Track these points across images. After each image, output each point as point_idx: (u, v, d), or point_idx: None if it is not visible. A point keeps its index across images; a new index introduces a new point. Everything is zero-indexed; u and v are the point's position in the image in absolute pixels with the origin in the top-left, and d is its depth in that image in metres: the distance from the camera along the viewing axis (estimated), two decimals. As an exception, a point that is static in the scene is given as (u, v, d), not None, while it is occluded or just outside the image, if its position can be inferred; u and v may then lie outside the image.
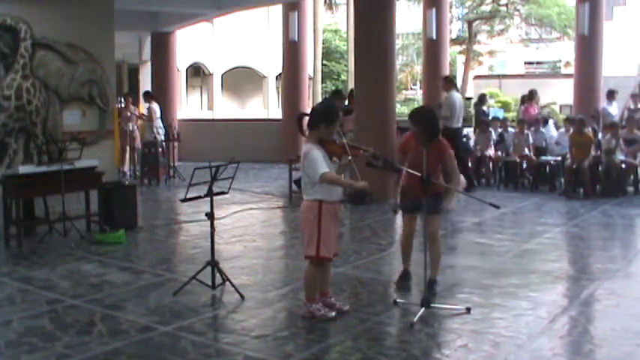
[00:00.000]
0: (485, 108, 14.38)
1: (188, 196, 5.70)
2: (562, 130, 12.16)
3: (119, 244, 7.52)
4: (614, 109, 13.41)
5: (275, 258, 7.15)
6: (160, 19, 16.71)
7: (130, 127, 13.65)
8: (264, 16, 26.33)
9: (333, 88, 30.68)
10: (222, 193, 5.94)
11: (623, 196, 10.74)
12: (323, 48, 28.28)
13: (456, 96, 11.62)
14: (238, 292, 5.54)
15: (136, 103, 15.15)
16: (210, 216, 5.70)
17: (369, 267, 6.54)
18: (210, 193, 5.71)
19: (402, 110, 26.17)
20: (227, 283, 5.71)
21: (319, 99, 24.72)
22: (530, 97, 13.43)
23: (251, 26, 25.53)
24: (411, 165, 5.27)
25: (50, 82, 9.58)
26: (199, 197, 5.83)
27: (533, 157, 11.80)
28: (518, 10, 30.18)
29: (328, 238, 4.87)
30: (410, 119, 5.47)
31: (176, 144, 14.54)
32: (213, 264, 5.75)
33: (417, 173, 4.99)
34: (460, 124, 11.58)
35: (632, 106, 13.60)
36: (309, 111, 5.23)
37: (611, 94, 13.62)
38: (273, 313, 5.23)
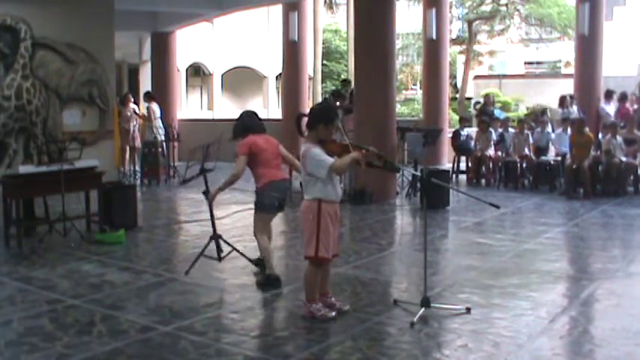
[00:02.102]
0: (491, 108, 14.39)
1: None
2: (559, 130, 12.16)
3: (119, 244, 7.52)
4: (612, 109, 13.40)
5: (275, 258, 7.13)
6: (160, 19, 16.71)
7: (131, 127, 13.65)
8: (264, 16, 26.34)
9: (333, 87, 30.71)
10: (210, 170, 6.50)
11: (623, 196, 10.74)
12: (323, 48, 28.27)
13: None
14: (247, 258, 6.03)
15: (136, 103, 15.14)
16: (206, 192, 6.33)
17: (369, 267, 6.54)
18: (203, 170, 6.42)
19: (402, 110, 26.18)
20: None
21: (319, 99, 24.71)
22: (623, 97, 13.31)
23: (251, 26, 25.53)
24: (268, 161, 6.03)
25: (50, 82, 9.57)
26: (196, 176, 6.48)
27: (533, 157, 11.81)
28: (518, 10, 30.13)
29: (327, 238, 4.86)
30: None
31: (176, 144, 14.55)
32: (217, 237, 6.28)
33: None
34: None
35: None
36: (307, 111, 5.26)
37: (609, 94, 13.62)
38: (273, 313, 5.23)
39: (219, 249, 6.42)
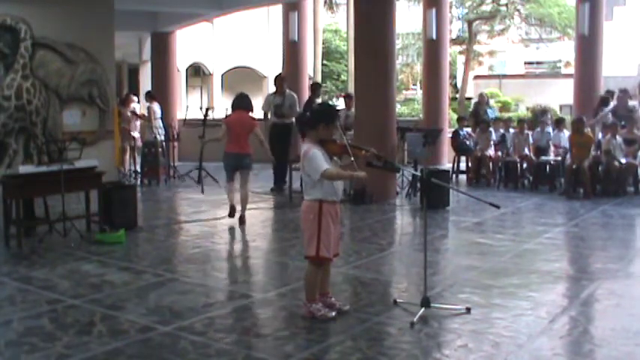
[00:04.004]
0: (483, 108, 14.34)
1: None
2: (555, 131, 12.15)
3: (119, 244, 7.51)
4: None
5: (275, 258, 7.15)
6: (160, 19, 16.70)
7: (131, 127, 13.66)
8: (264, 16, 26.33)
9: (334, 87, 30.69)
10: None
11: (623, 196, 10.74)
12: (323, 48, 28.24)
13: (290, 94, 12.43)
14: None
15: (138, 102, 15.16)
16: (202, 137, 10.95)
17: (369, 267, 6.54)
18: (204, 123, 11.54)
19: (402, 110, 26.18)
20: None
21: (319, 99, 24.66)
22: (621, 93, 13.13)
23: (251, 26, 25.52)
24: (232, 137, 8.54)
25: (50, 82, 9.56)
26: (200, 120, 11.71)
27: (533, 157, 11.81)
28: (518, 10, 30.13)
29: (328, 238, 4.86)
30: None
31: (176, 144, 14.55)
32: (201, 168, 11.29)
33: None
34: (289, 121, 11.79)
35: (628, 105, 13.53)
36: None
37: (608, 95, 13.59)
38: (273, 313, 5.23)
39: (200, 177, 11.79)
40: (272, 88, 29.58)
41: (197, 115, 14.01)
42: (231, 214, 8.66)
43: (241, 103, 8.80)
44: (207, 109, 12.33)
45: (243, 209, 8.65)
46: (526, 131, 12.20)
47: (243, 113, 8.70)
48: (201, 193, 11.01)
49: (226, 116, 9.07)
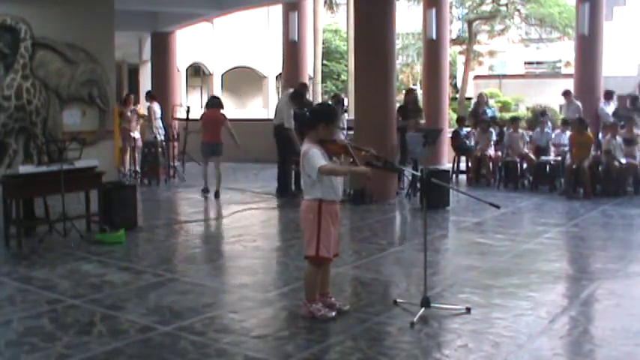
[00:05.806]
0: (483, 108, 14.33)
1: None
2: (558, 131, 12.16)
3: (119, 244, 7.51)
4: (611, 109, 13.40)
5: (275, 258, 7.15)
6: (160, 19, 16.71)
7: (133, 128, 13.67)
8: (264, 16, 26.36)
9: (334, 87, 30.70)
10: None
11: (623, 196, 10.73)
12: (323, 48, 28.25)
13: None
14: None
15: (137, 103, 15.15)
16: (186, 128, 13.04)
17: (369, 267, 6.54)
18: (187, 114, 13.83)
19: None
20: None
21: (319, 99, 24.70)
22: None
23: (251, 26, 25.55)
24: (206, 129, 10.98)
25: (50, 82, 9.56)
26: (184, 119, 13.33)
27: (533, 157, 11.81)
28: (518, 10, 30.13)
29: (328, 238, 4.86)
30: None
31: (176, 144, 14.56)
32: (184, 152, 13.52)
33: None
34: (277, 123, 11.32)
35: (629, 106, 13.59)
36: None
37: (608, 95, 13.62)
38: (273, 313, 5.23)
39: (183, 160, 13.74)
40: (272, 89, 29.34)
41: (188, 114, 14.37)
42: (205, 192, 10.93)
43: (213, 103, 11.35)
44: (188, 107, 14.73)
45: (218, 186, 10.77)
46: (520, 130, 12.20)
47: (214, 111, 11.06)
48: (183, 177, 13.32)
49: (202, 115, 11.45)
